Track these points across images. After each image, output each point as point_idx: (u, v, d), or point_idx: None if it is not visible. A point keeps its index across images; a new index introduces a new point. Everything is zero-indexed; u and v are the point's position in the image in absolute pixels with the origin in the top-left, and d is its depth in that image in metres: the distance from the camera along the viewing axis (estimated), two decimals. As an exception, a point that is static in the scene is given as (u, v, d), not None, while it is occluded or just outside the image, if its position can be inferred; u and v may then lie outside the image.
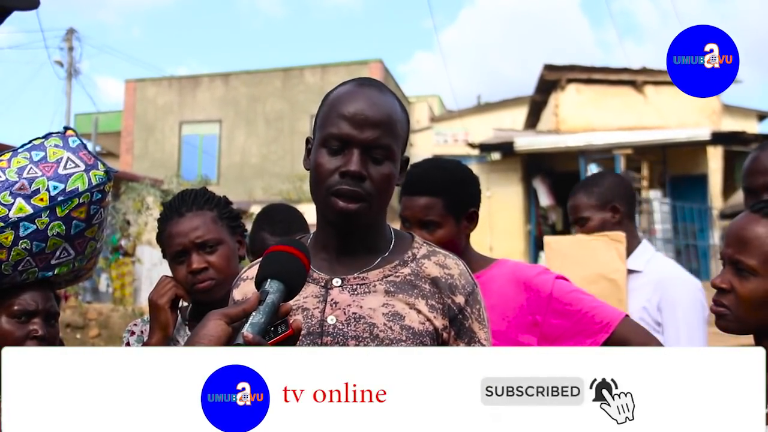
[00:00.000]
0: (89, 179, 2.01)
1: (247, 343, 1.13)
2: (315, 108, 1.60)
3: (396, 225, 1.78)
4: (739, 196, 16.13)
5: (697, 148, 16.58)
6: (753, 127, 19.01)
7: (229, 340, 1.15)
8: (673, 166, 16.65)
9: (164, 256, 2.14)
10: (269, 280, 1.23)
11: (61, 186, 1.97)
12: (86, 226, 2.04)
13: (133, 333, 2.19)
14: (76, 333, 10.53)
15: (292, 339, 1.23)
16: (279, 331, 1.20)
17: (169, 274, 2.13)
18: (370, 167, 1.48)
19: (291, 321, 1.22)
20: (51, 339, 2.05)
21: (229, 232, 2.12)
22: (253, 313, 1.17)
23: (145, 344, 2.05)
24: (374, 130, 1.48)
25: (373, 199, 1.49)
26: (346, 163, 1.47)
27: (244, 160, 21.39)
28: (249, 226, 2.97)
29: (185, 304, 2.19)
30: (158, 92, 22.44)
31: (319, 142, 1.52)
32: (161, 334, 2.02)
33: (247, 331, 1.14)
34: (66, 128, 2.14)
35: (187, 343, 1.16)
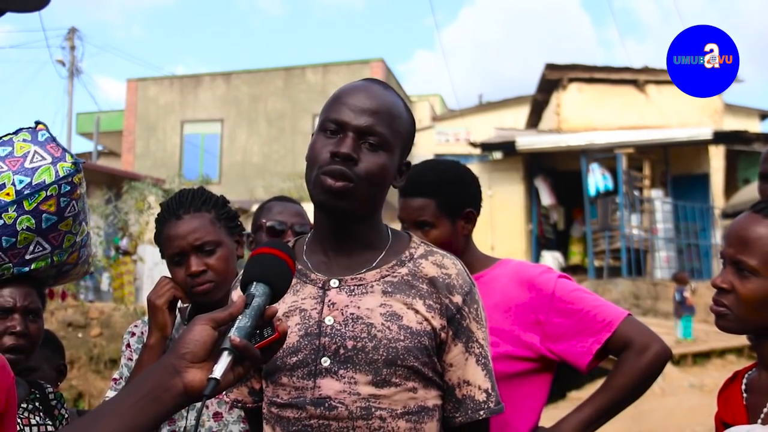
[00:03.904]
0: (56, 171, 1.98)
1: (234, 347, 1.13)
2: (317, 107, 1.64)
3: (397, 226, 1.78)
4: (741, 195, 16.11)
5: (698, 148, 16.56)
6: (755, 126, 18.98)
7: (216, 345, 1.15)
8: (675, 165, 16.63)
9: (162, 257, 2.13)
10: (255, 283, 1.22)
11: (27, 179, 1.95)
12: (58, 220, 2.01)
13: (133, 334, 2.19)
14: (78, 332, 10.54)
15: (278, 342, 1.22)
16: (265, 334, 1.20)
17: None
18: (362, 153, 1.50)
19: (277, 324, 1.21)
20: (32, 335, 2.04)
21: (227, 233, 2.11)
22: (240, 317, 1.17)
23: (144, 345, 2.05)
24: (370, 117, 1.50)
25: (362, 183, 1.49)
26: (338, 145, 1.49)
27: (246, 160, 21.39)
28: (249, 226, 2.98)
29: (185, 304, 2.20)
30: (160, 91, 22.44)
31: (318, 127, 1.55)
32: (159, 335, 2.02)
33: (233, 335, 1.14)
34: (37, 123, 2.11)
35: (173, 348, 1.15)
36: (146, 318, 2.13)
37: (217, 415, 2.05)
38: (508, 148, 16.99)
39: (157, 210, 2.13)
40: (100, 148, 23.71)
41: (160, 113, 22.22)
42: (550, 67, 17.33)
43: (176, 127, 22.10)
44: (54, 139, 2.06)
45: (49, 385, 2.20)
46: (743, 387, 1.68)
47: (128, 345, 2.18)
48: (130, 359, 2.15)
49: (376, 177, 1.51)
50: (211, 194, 2.16)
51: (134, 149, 22.26)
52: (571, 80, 17.22)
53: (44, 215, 1.98)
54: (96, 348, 10.44)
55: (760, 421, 1.57)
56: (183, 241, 2.03)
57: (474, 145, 17.54)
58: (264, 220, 2.79)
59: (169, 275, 2.10)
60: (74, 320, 10.59)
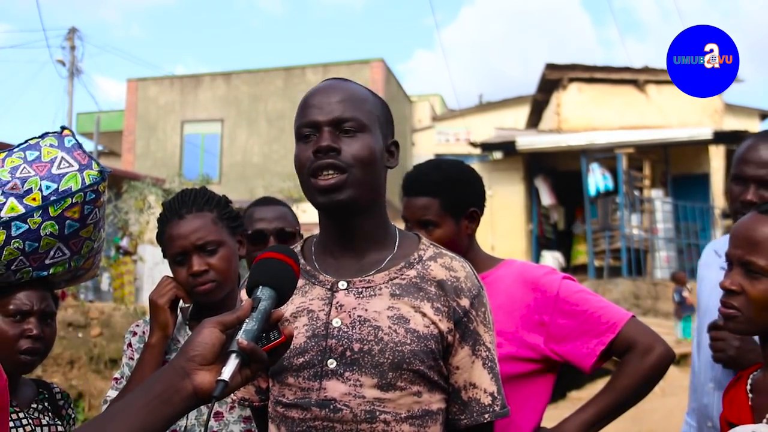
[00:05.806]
0: (83, 179, 1.99)
1: (242, 349, 1.15)
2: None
3: (400, 226, 1.78)
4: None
5: (699, 148, 16.56)
6: (755, 126, 18.97)
7: (223, 348, 1.17)
8: (675, 165, 16.63)
9: (164, 256, 2.14)
10: (261, 287, 1.25)
11: (54, 186, 1.95)
12: (80, 226, 2.02)
13: (135, 333, 2.20)
14: (78, 332, 10.52)
15: (284, 345, 1.25)
16: (272, 337, 1.23)
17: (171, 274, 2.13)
18: (342, 142, 1.51)
19: (283, 327, 1.24)
20: (46, 338, 2.06)
21: (229, 233, 2.11)
22: (247, 320, 1.19)
23: (145, 344, 2.06)
24: (337, 106, 1.52)
25: (353, 169, 1.50)
26: (317, 143, 1.50)
27: (246, 159, 21.39)
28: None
29: (187, 304, 2.20)
30: (160, 91, 22.43)
31: (296, 138, 1.57)
32: (161, 334, 2.03)
33: (241, 337, 1.16)
34: (63, 128, 2.12)
35: (182, 350, 1.17)
36: (147, 317, 2.14)
37: (217, 415, 2.05)
38: (508, 148, 16.99)
39: (157, 209, 2.14)
40: (100, 148, 23.69)
41: (160, 113, 22.21)
42: (550, 67, 17.32)
43: (176, 127, 22.09)
44: (80, 146, 2.07)
45: (56, 386, 2.22)
46: (748, 387, 1.68)
47: (129, 344, 2.18)
48: (132, 359, 2.15)
49: (364, 158, 1.51)
50: (213, 194, 2.17)
51: (134, 149, 22.25)
52: (571, 80, 17.21)
53: (68, 222, 1.98)
54: (96, 348, 10.42)
55: (765, 421, 1.57)
56: (185, 241, 2.04)
57: (474, 145, 17.54)
58: (246, 229, 2.74)
59: (170, 275, 2.11)
60: (74, 320, 10.57)
